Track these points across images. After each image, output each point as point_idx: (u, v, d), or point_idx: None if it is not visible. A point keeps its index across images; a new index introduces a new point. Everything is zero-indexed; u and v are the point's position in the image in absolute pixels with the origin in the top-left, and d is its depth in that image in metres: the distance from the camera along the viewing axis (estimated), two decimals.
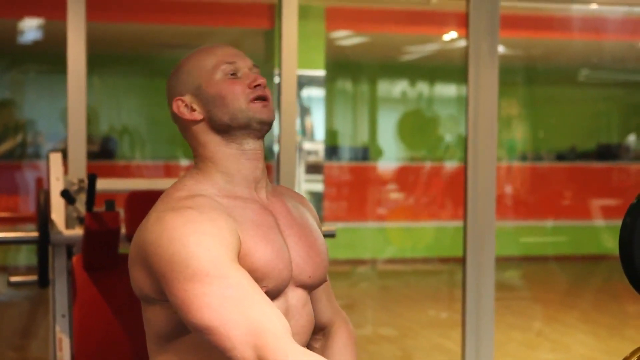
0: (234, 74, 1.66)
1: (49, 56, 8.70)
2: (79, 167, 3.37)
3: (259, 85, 1.65)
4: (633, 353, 1.52)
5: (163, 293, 1.55)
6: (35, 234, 2.73)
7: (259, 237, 1.61)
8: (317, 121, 8.59)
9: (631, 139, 10.24)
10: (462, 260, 3.82)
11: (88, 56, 3.44)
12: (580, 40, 9.01)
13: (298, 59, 3.67)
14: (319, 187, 8.14)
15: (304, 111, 8.41)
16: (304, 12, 3.78)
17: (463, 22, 3.83)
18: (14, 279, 2.90)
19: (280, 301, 1.64)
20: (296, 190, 1.97)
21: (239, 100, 1.64)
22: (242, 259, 1.56)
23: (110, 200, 2.56)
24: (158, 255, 1.52)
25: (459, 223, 4.14)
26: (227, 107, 1.64)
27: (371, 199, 8.79)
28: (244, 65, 1.68)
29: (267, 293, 1.55)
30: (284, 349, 1.40)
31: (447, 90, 10.13)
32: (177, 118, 1.69)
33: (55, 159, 2.95)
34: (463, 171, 3.83)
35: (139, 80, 9.48)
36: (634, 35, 8.83)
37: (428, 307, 6.99)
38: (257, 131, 1.65)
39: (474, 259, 3.74)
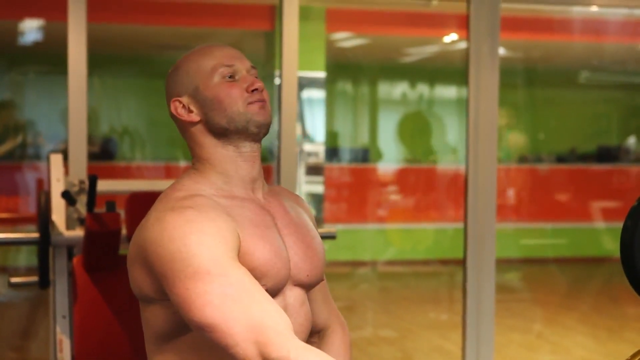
0: (231, 76, 1.66)
1: (49, 57, 8.70)
2: (80, 168, 3.37)
3: (256, 89, 1.66)
4: (634, 356, 1.52)
5: (163, 292, 1.56)
6: (35, 235, 2.73)
7: (258, 236, 1.62)
8: (318, 123, 8.59)
9: (631, 141, 10.24)
10: (462, 262, 3.82)
11: (88, 57, 3.45)
12: (581, 43, 9.01)
13: (298, 60, 3.67)
14: (319, 188, 8.14)
15: (302, 113, 8.42)
16: (304, 14, 3.78)
17: (463, 24, 3.84)
18: (14, 279, 2.90)
19: (278, 300, 1.64)
20: (297, 192, 1.98)
21: (236, 104, 1.64)
22: (241, 257, 1.56)
23: (110, 202, 2.56)
24: (158, 255, 1.53)
25: (459, 225, 4.14)
26: (224, 111, 1.64)
27: (371, 200, 8.79)
28: (242, 67, 1.68)
29: (266, 292, 1.56)
30: (285, 345, 1.41)
31: (448, 92, 10.14)
32: (175, 118, 1.70)
33: (56, 160, 2.95)
34: (463, 173, 3.83)
35: (139, 81, 9.49)
36: (634, 37, 8.83)
37: (428, 309, 6.99)
38: (255, 134, 1.66)
39: (475, 260, 3.74)
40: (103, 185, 2.98)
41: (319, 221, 7.81)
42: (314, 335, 1.84)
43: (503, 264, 7.97)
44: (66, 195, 2.74)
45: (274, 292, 1.62)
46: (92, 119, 8.50)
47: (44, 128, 8.98)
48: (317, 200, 8.08)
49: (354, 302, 7.25)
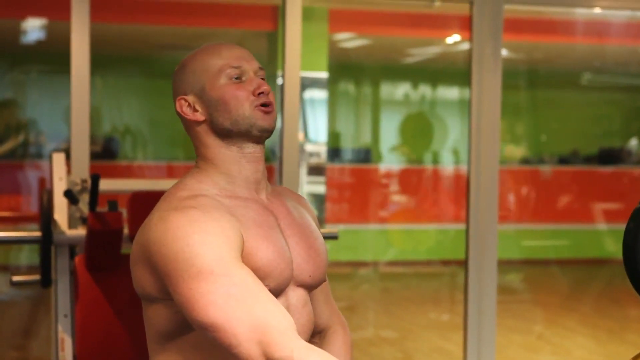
0: (238, 77, 1.66)
1: (52, 56, 8.70)
2: (82, 167, 3.37)
3: (262, 92, 1.65)
4: (635, 358, 1.52)
5: (166, 292, 1.56)
6: (38, 234, 2.73)
7: (261, 236, 1.62)
8: (320, 123, 8.59)
9: (633, 143, 10.24)
10: (463, 263, 3.82)
11: (91, 57, 3.45)
12: (583, 44, 9.01)
13: (301, 60, 3.67)
14: (321, 189, 8.14)
15: (304, 113, 8.42)
16: (307, 14, 3.78)
17: (466, 25, 3.84)
18: (16, 278, 2.90)
19: (281, 300, 1.64)
20: (298, 192, 1.98)
21: (242, 107, 1.64)
22: (244, 258, 1.56)
23: (113, 201, 2.56)
24: (162, 254, 1.52)
25: (460, 225, 4.14)
26: (229, 113, 1.64)
27: (373, 201, 8.79)
28: (250, 68, 1.67)
29: (269, 292, 1.56)
30: (289, 345, 1.41)
31: (450, 93, 10.13)
32: (180, 116, 1.70)
33: (59, 159, 2.95)
34: (465, 174, 3.83)
35: (141, 81, 9.49)
36: (637, 39, 8.83)
37: (429, 310, 6.99)
38: (258, 137, 1.66)
39: (476, 261, 3.74)
40: (105, 185, 2.98)
41: (320, 221, 7.80)
42: (315, 336, 1.85)
43: (504, 265, 7.97)
44: (68, 194, 2.75)
45: (276, 292, 1.62)
46: (95, 118, 8.50)
47: (46, 127, 8.99)
48: (319, 200, 8.08)
49: (355, 302, 7.25)
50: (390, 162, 9.28)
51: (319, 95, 8.38)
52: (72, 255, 2.78)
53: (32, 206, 7.89)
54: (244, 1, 6.91)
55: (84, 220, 2.89)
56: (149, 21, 7.46)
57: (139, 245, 1.60)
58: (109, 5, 6.60)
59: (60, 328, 2.69)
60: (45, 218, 2.72)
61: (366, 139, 9.48)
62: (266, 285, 1.56)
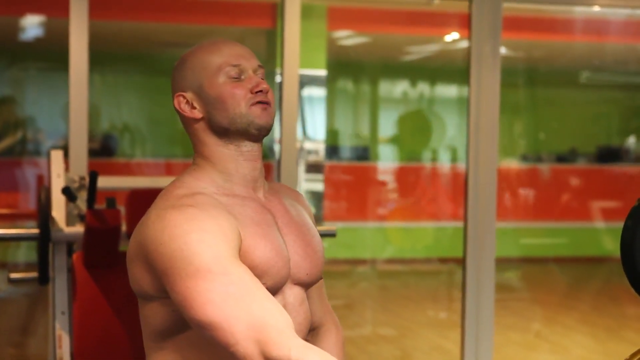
0: (237, 76, 1.65)
1: (51, 53, 8.70)
2: (80, 164, 3.37)
3: (260, 91, 1.65)
4: (633, 355, 1.52)
5: (163, 290, 1.56)
6: (35, 231, 2.73)
7: (259, 235, 1.61)
8: (318, 121, 8.59)
9: (631, 141, 10.24)
10: (461, 261, 3.82)
11: (89, 54, 3.44)
12: (582, 43, 9.01)
13: (300, 58, 3.67)
14: (319, 186, 8.14)
15: (302, 111, 8.41)
16: (306, 12, 3.78)
17: (465, 23, 3.84)
18: (14, 275, 2.90)
19: (278, 299, 1.64)
20: (297, 189, 1.97)
21: (239, 106, 1.64)
22: (242, 256, 1.56)
23: (111, 198, 2.56)
24: (159, 253, 1.52)
25: (458, 223, 4.14)
26: (226, 112, 1.64)
27: (371, 198, 8.79)
28: (249, 66, 1.67)
29: (267, 290, 1.55)
30: (286, 344, 1.40)
31: (448, 91, 10.13)
32: (178, 113, 1.70)
33: (57, 156, 2.95)
34: (463, 172, 3.83)
35: (139, 79, 9.49)
36: (636, 37, 8.83)
37: (427, 308, 6.99)
38: (255, 135, 1.66)
39: (474, 259, 3.74)
40: (103, 182, 2.97)
41: (318, 219, 7.82)
42: (308, 333, 1.85)
43: (502, 263, 7.97)
44: (66, 191, 2.74)
45: (273, 290, 1.62)
46: (93, 115, 8.50)
47: (44, 124, 8.98)
48: (317, 198, 8.08)
49: (353, 300, 7.25)
50: (389, 160, 9.28)
51: (318, 92, 8.38)
52: (69, 252, 2.78)
53: (30, 203, 7.88)
54: None
55: (82, 218, 2.89)
56: (148, 18, 7.45)
57: (136, 244, 1.60)
58: (108, 2, 6.60)
59: (57, 325, 2.69)
60: (43, 215, 2.72)
61: (364, 136, 9.49)
62: (263, 284, 1.56)
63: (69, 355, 2.64)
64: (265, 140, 1.71)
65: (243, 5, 7.23)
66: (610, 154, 9.89)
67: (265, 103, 1.65)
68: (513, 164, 9.59)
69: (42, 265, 2.71)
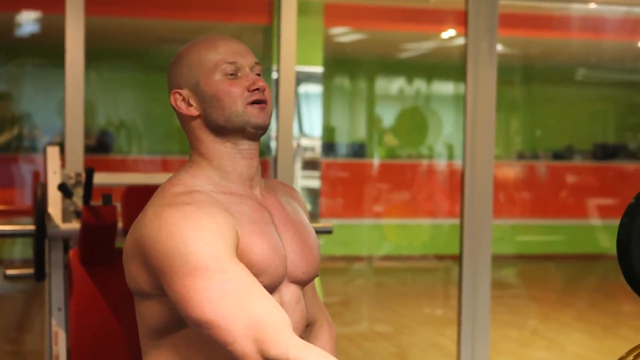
0: (233, 73, 1.64)
1: (47, 49, 8.68)
2: (77, 160, 3.36)
3: (257, 89, 1.64)
4: (629, 352, 1.52)
5: (159, 288, 1.55)
6: (31, 228, 2.72)
7: (256, 233, 1.61)
8: (314, 118, 8.58)
9: (627, 138, 10.26)
10: (458, 258, 3.82)
11: (86, 50, 3.44)
12: (579, 40, 9.02)
13: (296, 55, 3.66)
14: (315, 183, 8.14)
15: (298, 108, 8.41)
16: (302, 8, 3.77)
17: (462, 20, 3.83)
18: (9, 272, 2.90)
19: (274, 297, 1.63)
20: (293, 187, 1.97)
21: (236, 104, 1.63)
22: (239, 254, 1.56)
23: (107, 194, 2.55)
24: (156, 251, 1.52)
25: (455, 220, 4.14)
26: (223, 110, 1.63)
27: (368, 195, 8.79)
28: (246, 63, 1.66)
29: (265, 289, 1.55)
30: (284, 342, 1.40)
31: (445, 88, 10.14)
32: (175, 110, 1.69)
33: (53, 152, 2.95)
34: (460, 169, 3.83)
35: (136, 75, 9.48)
36: (632, 35, 8.84)
37: (424, 305, 6.99)
38: (252, 134, 1.65)
39: (471, 256, 3.74)
40: (99, 178, 2.97)
41: (315, 216, 7.82)
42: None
43: (499, 260, 7.98)
44: (62, 187, 2.74)
45: (270, 289, 1.62)
46: (89, 112, 8.49)
47: (40, 120, 8.97)
48: (314, 195, 8.08)
49: (349, 297, 7.25)
50: (385, 157, 9.28)
51: (314, 89, 8.37)
52: (66, 249, 2.78)
53: (26, 200, 7.87)
54: None
55: (78, 214, 2.88)
56: (144, 14, 7.45)
57: (133, 241, 1.59)
58: None
59: (54, 322, 2.68)
60: (39, 211, 2.71)
61: (361, 133, 9.49)
62: (260, 282, 1.56)
63: (65, 351, 2.64)
64: (262, 137, 1.71)
65: (239, 2, 7.23)
66: (606, 151, 9.90)
67: (261, 102, 1.65)
68: (510, 162, 9.60)
69: (38, 262, 2.71)
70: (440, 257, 8.55)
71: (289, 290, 1.69)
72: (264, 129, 1.66)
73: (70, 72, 3.41)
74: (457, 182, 8.35)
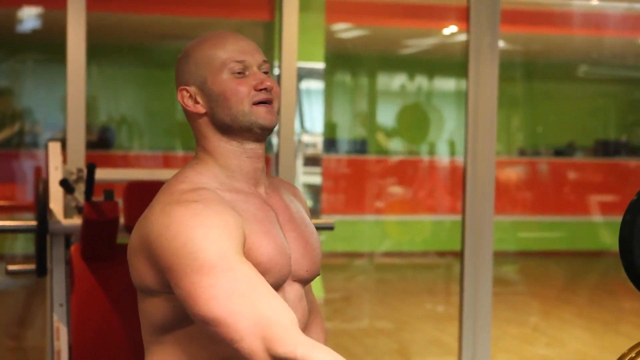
0: (241, 72, 1.63)
1: (48, 45, 8.68)
2: (78, 156, 3.36)
3: (264, 88, 1.63)
4: (631, 349, 1.52)
5: (165, 285, 1.55)
6: (33, 223, 2.72)
7: (262, 232, 1.61)
8: (316, 114, 8.58)
9: (629, 135, 10.25)
10: (459, 254, 3.83)
11: (87, 46, 3.44)
12: (580, 36, 9.01)
13: (298, 51, 3.66)
14: (317, 179, 8.13)
15: (300, 104, 8.41)
16: (304, 4, 3.77)
17: (463, 16, 3.83)
18: (11, 267, 2.89)
19: None
20: (295, 183, 1.97)
21: (242, 103, 1.62)
22: (245, 253, 1.55)
23: (109, 190, 2.55)
24: (164, 248, 1.51)
25: (456, 217, 4.14)
26: (229, 109, 1.62)
27: (369, 192, 8.79)
28: (254, 62, 1.65)
29: (271, 287, 1.55)
30: (292, 341, 1.39)
31: (446, 84, 10.13)
32: (182, 106, 1.69)
33: (54, 148, 2.95)
34: (461, 165, 3.83)
35: (137, 71, 9.47)
36: (634, 31, 8.83)
37: (425, 301, 7.00)
38: (258, 135, 1.65)
39: (472, 253, 3.74)
40: (101, 174, 2.97)
41: (316, 212, 7.82)
42: None
43: (500, 256, 7.98)
44: (64, 183, 2.74)
45: (274, 288, 1.61)
46: (91, 107, 8.49)
47: (42, 116, 8.97)
48: (315, 191, 8.07)
49: (351, 293, 7.26)
50: (387, 153, 9.28)
51: (316, 85, 8.37)
52: (67, 244, 2.78)
53: (27, 195, 7.88)
54: None
55: (79, 210, 2.88)
56: (146, 10, 7.44)
57: (139, 238, 1.59)
58: None
59: (55, 317, 2.69)
60: (41, 207, 2.71)
61: (362, 129, 9.48)
62: None
63: (67, 347, 2.64)
64: None
65: None
66: (608, 148, 9.89)
67: (268, 102, 1.64)
68: (511, 158, 9.60)
69: (40, 258, 2.71)
70: (441, 254, 8.55)
71: (292, 289, 1.69)
72: (270, 130, 1.65)
73: (72, 68, 3.41)
74: (458, 179, 8.35)
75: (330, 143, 9.09)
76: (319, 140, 8.24)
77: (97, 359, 2.45)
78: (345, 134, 9.42)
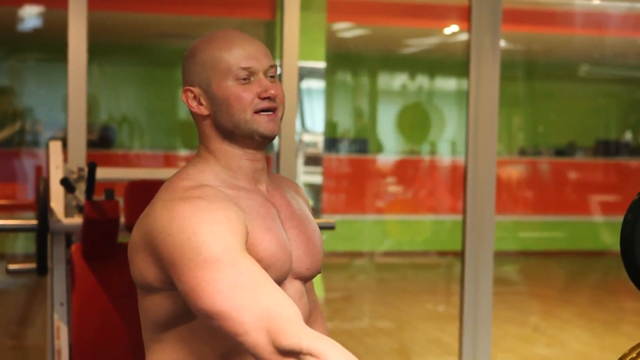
0: (246, 78, 1.63)
1: (49, 44, 8.68)
2: (79, 155, 3.36)
3: (268, 97, 1.63)
4: (632, 350, 1.52)
5: (167, 282, 1.55)
6: (34, 222, 2.72)
7: (264, 228, 1.61)
8: (317, 113, 8.58)
9: (629, 135, 10.25)
10: (460, 254, 3.82)
11: (88, 45, 3.44)
12: (582, 36, 9.00)
13: (299, 50, 3.66)
14: (317, 179, 8.13)
15: (301, 103, 8.41)
16: (305, 4, 3.77)
17: (464, 15, 3.83)
18: (12, 266, 2.89)
19: None
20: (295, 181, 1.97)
21: (245, 111, 1.62)
22: (247, 249, 1.56)
23: (109, 189, 2.55)
24: (167, 244, 1.52)
25: (457, 216, 4.14)
26: (232, 116, 1.62)
27: (370, 191, 8.79)
28: (260, 67, 1.64)
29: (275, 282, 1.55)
30: (297, 333, 1.39)
31: (448, 83, 10.13)
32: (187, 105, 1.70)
33: (55, 147, 2.95)
34: (462, 165, 3.83)
35: (138, 70, 9.47)
36: (635, 31, 8.82)
37: (425, 301, 7.00)
38: (259, 142, 1.65)
39: (473, 252, 3.74)
40: (102, 173, 2.97)
41: (317, 212, 7.82)
42: None
43: (501, 256, 7.98)
44: (65, 182, 2.74)
45: None
46: (91, 106, 8.49)
47: (43, 115, 8.97)
48: (316, 190, 8.07)
49: (351, 292, 7.26)
50: (387, 153, 9.28)
51: (317, 85, 8.37)
52: (68, 243, 2.78)
53: (28, 194, 7.88)
54: None
55: (80, 209, 2.88)
56: (147, 9, 7.44)
57: (141, 234, 1.59)
58: None
59: (56, 316, 2.68)
60: (42, 206, 2.71)
61: (363, 129, 9.48)
62: None
63: (67, 346, 2.64)
64: None
65: None
66: (609, 148, 9.89)
67: (271, 110, 1.64)
68: (512, 158, 9.59)
69: (41, 257, 2.71)
70: (442, 253, 8.55)
71: (293, 286, 1.69)
72: (271, 138, 1.65)
73: (73, 67, 3.41)
74: (459, 178, 8.35)
75: (331, 142, 9.09)
76: (319, 139, 8.24)
77: (98, 358, 2.45)
78: (346, 133, 9.42)
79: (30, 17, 8.11)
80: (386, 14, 8.15)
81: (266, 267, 1.58)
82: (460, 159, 7.81)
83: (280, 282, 1.64)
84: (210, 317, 1.45)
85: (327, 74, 8.42)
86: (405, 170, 9.04)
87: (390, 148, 9.33)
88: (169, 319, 1.61)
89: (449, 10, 8.19)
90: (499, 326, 5.57)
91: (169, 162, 8.50)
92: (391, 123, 9.35)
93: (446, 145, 9.23)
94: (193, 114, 1.69)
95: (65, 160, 3.20)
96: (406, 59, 9.79)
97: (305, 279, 1.73)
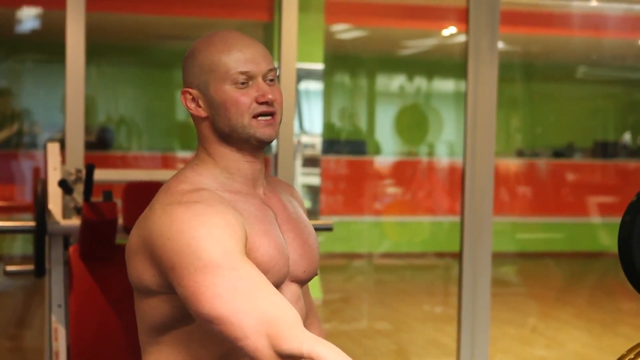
0: (245, 82, 1.62)
1: (47, 46, 8.68)
2: (77, 157, 3.36)
3: (265, 102, 1.62)
4: (630, 351, 1.52)
5: (165, 285, 1.55)
6: (32, 224, 2.72)
7: (263, 232, 1.61)
8: (315, 115, 8.58)
9: (628, 136, 10.26)
10: (458, 255, 3.82)
11: (86, 46, 3.43)
12: (580, 37, 9.01)
13: (297, 51, 3.66)
14: (315, 180, 8.13)
15: (299, 105, 8.41)
16: (303, 5, 3.77)
17: (463, 17, 3.83)
18: (10, 268, 2.90)
19: None
20: (293, 184, 1.97)
21: (242, 116, 1.61)
22: (247, 253, 1.55)
23: (107, 191, 2.55)
24: (166, 248, 1.51)
25: (455, 218, 4.14)
26: (229, 120, 1.62)
27: (368, 193, 8.79)
28: (259, 72, 1.63)
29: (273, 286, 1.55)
30: (297, 337, 1.39)
31: (445, 85, 10.13)
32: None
33: (53, 148, 2.95)
34: (460, 166, 3.83)
35: (136, 71, 9.47)
36: (633, 32, 8.83)
37: (423, 302, 7.00)
38: (256, 147, 1.65)
39: (471, 254, 3.74)
40: (100, 175, 2.97)
41: (315, 213, 7.81)
42: None
43: (499, 257, 7.98)
44: (63, 184, 2.74)
45: None
46: (89, 108, 8.48)
47: (40, 117, 8.97)
48: (314, 192, 8.07)
49: (349, 294, 7.26)
50: (385, 154, 9.28)
51: (315, 86, 8.37)
52: (66, 245, 2.78)
53: (26, 196, 7.87)
54: None
55: (78, 211, 2.88)
56: (145, 11, 7.44)
57: (139, 238, 1.59)
58: None
59: (54, 318, 2.68)
60: (40, 208, 2.71)
61: (361, 130, 9.48)
62: None
63: (65, 347, 2.64)
64: None
65: None
66: (607, 149, 9.90)
67: (269, 115, 1.64)
68: (510, 159, 9.60)
69: (38, 258, 2.71)
70: (440, 255, 8.55)
71: (290, 289, 1.69)
72: (268, 143, 1.65)
73: (71, 68, 3.41)
74: (457, 180, 8.36)
75: (329, 144, 9.09)
76: (317, 141, 8.24)
77: None
78: (344, 134, 9.42)
79: (28, 18, 8.11)
80: (384, 15, 8.15)
81: (265, 271, 1.57)
82: (458, 161, 7.81)
83: (277, 285, 1.64)
84: (210, 321, 1.45)
85: (325, 76, 8.42)
86: (403, 172, 9.04)
87: (388, 149, 9.33)
88: (166, 322, 1.61)
89: (447, 12, 8.19)
90: (497, 327, 5.57)
91: (167, 163, 8.50)
92: (389, 124, 9.35)
93: (444, 146, 9.23)
94: (192, 115, 1.69)
95: (63, 161, 3.20)
96: (404, 61, 9.79)
97: (302, 282, 1.73)
